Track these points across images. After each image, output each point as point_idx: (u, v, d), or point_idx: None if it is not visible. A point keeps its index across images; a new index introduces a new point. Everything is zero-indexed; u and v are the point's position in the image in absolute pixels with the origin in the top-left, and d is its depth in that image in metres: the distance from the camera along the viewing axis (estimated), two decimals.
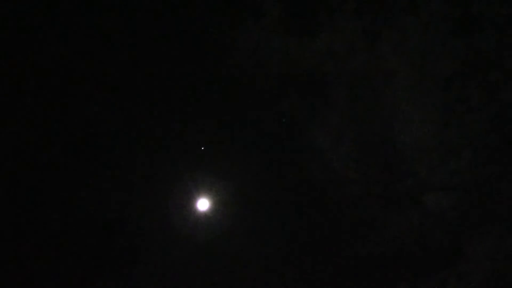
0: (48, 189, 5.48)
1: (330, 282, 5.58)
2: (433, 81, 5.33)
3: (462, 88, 5.32)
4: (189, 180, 5.57)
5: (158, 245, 5.69)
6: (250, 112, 5.47)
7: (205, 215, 5.65)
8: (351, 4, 5.31)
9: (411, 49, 5.30)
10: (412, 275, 5.56)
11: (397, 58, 5.32)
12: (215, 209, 5.64)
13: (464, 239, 5.45)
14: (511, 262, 5.43)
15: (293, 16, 5.36)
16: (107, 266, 5.65)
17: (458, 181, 5.38)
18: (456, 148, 5.37)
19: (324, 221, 5.59)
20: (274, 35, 5.36)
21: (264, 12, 5.36)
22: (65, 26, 5.17)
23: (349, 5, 5.31)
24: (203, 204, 5.64)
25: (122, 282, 5.67)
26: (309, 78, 5.39)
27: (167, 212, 5.61)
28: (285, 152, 5.53)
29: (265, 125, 5.47)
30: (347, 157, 5.47)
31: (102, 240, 5.61)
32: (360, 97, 5.40)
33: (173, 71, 5.34)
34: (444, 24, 5.25)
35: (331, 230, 5.60)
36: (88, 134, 5.41)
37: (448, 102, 5.35)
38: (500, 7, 5.18)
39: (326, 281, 5.60)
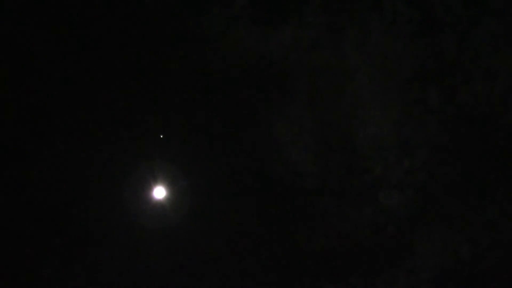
0: None
1: (281, 274, 5.64)
2: (393, 80, 5.42)
3: (421, 89, 5.44)
4: (146, 168, 5.48)
5: (112, 233, 5.58)
6: (210, 101, 5.42)
7: (161, 204, 5.58)
8: None
9: (373, 48, 5.37)
10: (363, 271, 5.66)
11: (360, 56, 5.39)
12: (171, 197, 5.58)
13: (415, 236, 5.60)
14: (458, 259, 5.61)
15: (260, 6, 5.34)
16: (58, 253, 5.51)
17: (412, 179, 5.51)
18: (412, 147, 5.49)
19: (279, 214, 5.63)
20: (240, 24, 5.33)
21: (231, 1, 5.31)
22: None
23: (315, 0, 5.32)
24: (159, 193, 5.58)
25: (72, 269, 5.54)
26: (272, 69, 5.39)
27: (122, 200, 5.51)
28: (244, 143, 5.52)
29: (225, 115, 5.44)
30: (305, 151, 5.51)
31: (53, 226, 5.47)
32: (321, 92, 5.44)
33: (133, 57, 5.23)
34: (407, 25, 5.34)
35: (286, 223, 5.64)
36: (40, 117, 5.25)
37: (407, 102, 5.45)
38: (462, 11, 5.31)
39: (277, 273, 5.65)
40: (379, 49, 5.36)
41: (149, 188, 5.54)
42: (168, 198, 5.58)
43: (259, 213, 5.65)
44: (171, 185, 5.57)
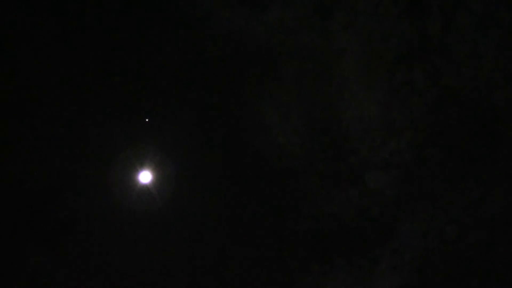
0: None
1: (267, 255, 5.68)
2: (379, 62, 5.40)
3: (407, 71, 5.43)
4: (132, 152, 5.43)
5: (97, 217, 5.54)
6: (196, 85, 5.36)
7: (147, 188, 5.54)
8: None
9: (360, 29, 5.33)
10: (348, 252, 5.73)
11: (347, 37, 5.34)
12: (157, 182, 5.54)
13: (399, 217, 5.66)
14: (442, 240, 5.69)
15: None
16: (42, 237, 5.47)
17: (398, 160, 5.54)
18: (397, 129, 5.50)
19: (265, 196, 5.64)
20: (226, 5, 5.23)
21: None
22: None
23: None
24: (145, 177, 5.54)
25: (57, 253, 5.51)
26: (258, 51, 5.33)
27: (107, 184, 5.46)
28: (231, 125, 5.49)
29: (211, 97, 5.39)
30: (292, 133, 5.50)
31: (37, 210, 5.41)
32: (307, 73, 5.41)
33: (119, 40, 5.13)
34: (393, 6, 5.30)
35: (272, 204, 5.65)
36: (27, 101, 5.15)
37: (393, 83, 5.44)
38: None
39: (263, 254, 5.69)
40: (366, 30, 5.32)
41: (135, 172, 5.50)
42: (154, 183, 5.54)
43: (245, 196, 5.65)
44: (157, 169, 5.52)
